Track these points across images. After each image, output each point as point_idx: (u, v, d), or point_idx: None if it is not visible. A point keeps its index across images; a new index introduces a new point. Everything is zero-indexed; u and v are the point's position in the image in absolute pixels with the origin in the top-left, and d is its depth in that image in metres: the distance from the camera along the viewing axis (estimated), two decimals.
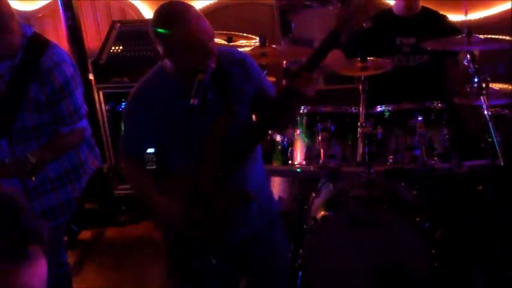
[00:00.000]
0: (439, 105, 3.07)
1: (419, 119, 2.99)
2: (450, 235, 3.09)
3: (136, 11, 4.98)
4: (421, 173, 2.97)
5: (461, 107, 3.26)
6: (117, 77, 4.22)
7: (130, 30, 4.50)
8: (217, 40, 3.00)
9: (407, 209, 2.88)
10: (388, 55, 3.40)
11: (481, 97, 2.88)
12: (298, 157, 3.14)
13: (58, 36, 4.65)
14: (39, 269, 1.03)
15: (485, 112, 2.84)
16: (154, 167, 2.57)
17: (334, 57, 3.00)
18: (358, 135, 2.95)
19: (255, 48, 3.38)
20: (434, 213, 3.05)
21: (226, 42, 3.79)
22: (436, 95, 3.21)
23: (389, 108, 3.08)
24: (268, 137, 3.24)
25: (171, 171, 2.32)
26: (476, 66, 2.93)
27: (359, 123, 2.96)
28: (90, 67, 4.32)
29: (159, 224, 2.57)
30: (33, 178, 2.51)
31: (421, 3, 3.63)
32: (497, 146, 2.78)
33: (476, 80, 2.91)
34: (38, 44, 2.55)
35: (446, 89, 3.52)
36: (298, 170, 3.12)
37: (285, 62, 4.09)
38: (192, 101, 1.96)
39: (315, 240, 2.82)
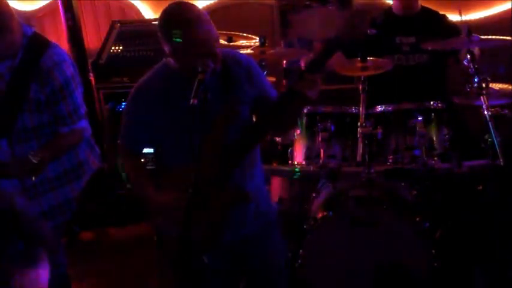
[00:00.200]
0: (439, 105, 3.07)
1: (419, 119, 2.99)
2: (450, 235, 3.09)
3: (136, 11, 4.99)
4: (421, 173, 2.97)
5: (461, 107, 3.26)
6: (117, 77, 4.23)
7: (130, 30, 4.51)
8: None
9: (407, 209, 2.88)
10: (387, 54, 3.40)
11: (481, 97, 2.88)
12: (298, 157, 3.14)
13: (58, 36, 4.65)
14: (43, 272, 1.02)
15: (485, 112, 2.84)
16: (154, 167, 2.57)
17: (334, 57, 3.00)
18: (358, 135, 2.95)
19: (255, 48, 3.39)
20: (434, 213, 3.05)
21: (226, 42, 3.79)
22: (436, 95, 3.21)
23: (390, 108, 3.08)
24: (268, 138, 3.24)
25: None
26: (476, 66, 2.93)
27: (359, 123, 2.96)
28: (90, 67, 4.32)
29: (156, 221, 2.57)
30: (34, 178, 2.51)
31: (421, 3, 3.63)
32: (497, 146, 2.78)
33: (476, 80, 2.91)
34: (38, 44, 2.56)
35: (446, 89, 3.53)
36: (298, 169, 3.11)
37: (285, 62, 4.10)
38: (191, 101, 1.97)
39: (315, 240, 2.82)
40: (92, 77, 4.31)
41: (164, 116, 2.22)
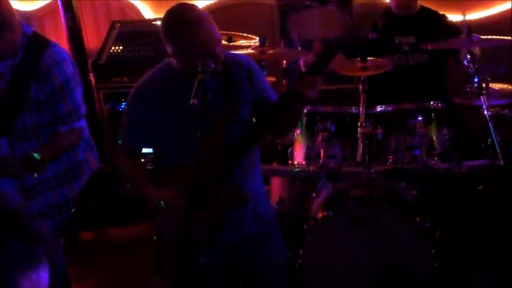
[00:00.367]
0: (439, 105, 3.07)
1: (419, 119, 2.99)
2: (450, 235, 3.09)
3: (136, 11, 4.99)
4: (421, 173, 2.98)
5: (461, 107, 3.26)
6: (117, 77, 4.23)
7: (130, 30, 4.51)
8: None
9: (407, 209, 2.88)
10: (387, 54, 3.40)
11: (481, 97, 2.88)
12: (298, 157, 3.14)
13: (58, 36, 4.65)
14: (43, 272, 1.02)
15: (485, 112, 2.84)
16: (153, 167, 2.57)
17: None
18: (358, 135, 2.95)
19: (255, 48, 3.39)
20: (434, 213, 3.05)
21: (226, 42, 3.79)
22: (436, 94, 3.21)
23: (390, 108, 3.08)
24: (269, 138, 3.24)
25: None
26: (476, 66, 2.93)
27: (359, 123, 2.96)
28: (90, 67, 4.32)
29: (156, 221, 2.57)
30: (35, 175, 2.50)
31: (421, 3, 3.63)
32: (497, 146, 2.78)
33: (476, 80, 2.91)
34: (38, 43, 2.56)
35: (446, 89, 3.53)
36: (297, 169, 3.11)
37: (285, 62, 4.10)
38: (191, 101, 1.97)
39: (315, 240, 2.82)
40: (92, 77, 4.31)
41: (164, 116, 2.23)
